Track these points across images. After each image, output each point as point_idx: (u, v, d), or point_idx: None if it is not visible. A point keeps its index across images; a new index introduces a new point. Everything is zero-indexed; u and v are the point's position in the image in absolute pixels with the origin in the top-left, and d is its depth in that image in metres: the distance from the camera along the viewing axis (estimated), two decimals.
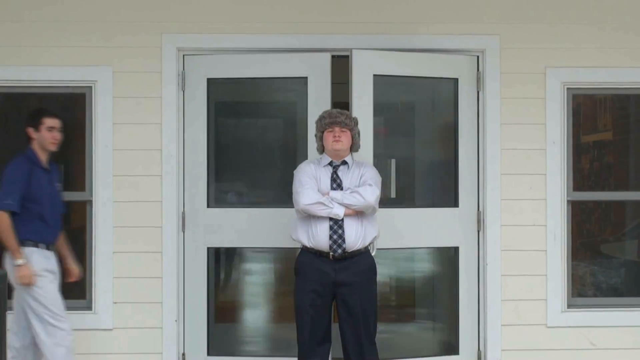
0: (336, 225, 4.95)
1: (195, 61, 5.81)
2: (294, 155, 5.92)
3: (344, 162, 5.09)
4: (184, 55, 5.79)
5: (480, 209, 5.82)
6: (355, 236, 4.96)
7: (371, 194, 4.96)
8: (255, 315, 6.17)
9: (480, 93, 5.85)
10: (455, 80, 5.86)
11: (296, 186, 5.03)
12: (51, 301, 5.05)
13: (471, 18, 5.81)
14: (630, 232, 6.29)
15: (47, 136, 5.16)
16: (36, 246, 5.06)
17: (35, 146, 5.19)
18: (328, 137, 5.05)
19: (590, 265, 6.21)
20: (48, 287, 5.06)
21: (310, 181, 5.00)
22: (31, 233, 5.06)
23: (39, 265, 5.04)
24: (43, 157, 5.19)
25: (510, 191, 5.77)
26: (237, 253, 6.09)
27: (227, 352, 5.84)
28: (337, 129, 5.03)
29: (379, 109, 5.84)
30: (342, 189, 5.00)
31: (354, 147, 5.14)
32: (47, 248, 5.12)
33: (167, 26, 5.73)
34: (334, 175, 5.05)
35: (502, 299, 5.76)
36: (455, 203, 5.84)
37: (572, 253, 5.89)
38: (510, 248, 5.77)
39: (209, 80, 5.84)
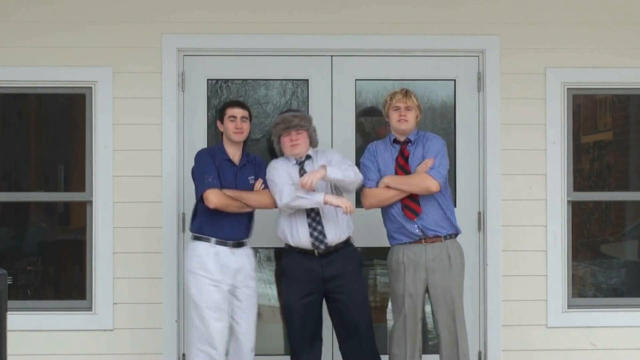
0: (314, 222, 4.98)
1: (195, 62, 5.82)
2: None
3: (308, 156, 5.12)
4: (184, 56, 5.80)
5: (480, 209, 5.82)
6: (334, 229, 4.99)
7: (356, 171, 5.02)
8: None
9: (480, 93, 5.85)
10: (454, 81, 5.88)
11: (271, 187, 5.04)
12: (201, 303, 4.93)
13: (471, 18, 5.81)
14: (630, 232, 6.29)
15: (229, 126, 5.03)
16: (207, 241, 4.96)
17: (224, 139, 5.10)
18: (285, 142, 5.07)
19: (591, 265, 6.22)
20: (201, 285, 4.92)
21: (282, 178, 5.01)
22: (205, 228, 4.97)
23: (196, 262, 4.94)
24: (231, 150, 5.07)
25: (510, 191, 5.77)
26: None
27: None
28: (293, 132, 5.05)
29: (378, 111, 5.86)
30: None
31: (312, 143, 5.16)
32: (222, 244, 4.97)
33: (167, 26, 5.73)
34: (302, 172, 5.06)
35: (502, 299, 5.76)
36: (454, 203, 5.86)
37: (572, 253, 5.88)
38: (510, 248, 5.76)
39: (209, 80, 5.86)
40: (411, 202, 5.00)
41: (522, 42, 5.80)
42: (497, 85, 5.79)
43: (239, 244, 5.03)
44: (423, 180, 4.97)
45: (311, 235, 4.98)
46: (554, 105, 5.80)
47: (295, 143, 5.05)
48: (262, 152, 6.01)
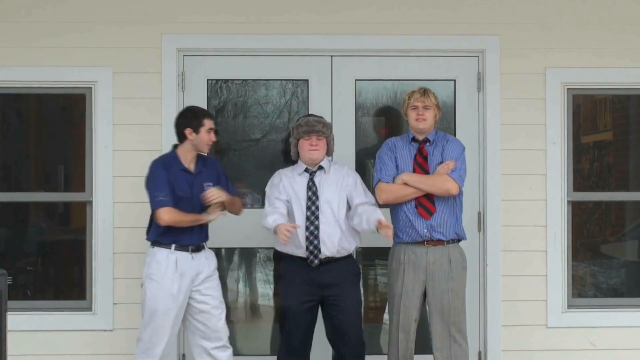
0: (312, 235, 4.99)
1: (195, 62, 5.82)
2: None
3: (320, 167, 5.12)
4: (184, 56, 5.80)
5: (480, 209, 5.82)
6: (330, 246, 5.00)
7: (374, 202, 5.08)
8: (255, 315, 6.17)
9: (480, 94, 5.85)
10: (454, 82, 5.88)
11: (265, 204, 5.13)
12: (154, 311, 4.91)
13: (471, 18, 5.81)
14: (630, 232, 6.30)
15: (205, 138, 4.97)
16: (167, 247, 4.93)
17: (183, 147, 5.01)
18: (304, 145, 5.07)
19: (591, 265, 6.22)
20: (158, 293, 4.90)
21: (272, 199, 5.07)
22: (164, 236, 4.94)
23: (154, 269, 4.92)
24: (188, 157, 5.01)
25: (510, 191, 5.77)
26: (237, 254, 6.09)
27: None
28: (314, 137, 5.05)
29: (378, 111, 5.86)
30: (317, 197, 5.04)
31: (328, 152, 5.18)
32: (182, 250, 4.94)
33: (167, 27, 5.73)
34: (310, 183, 5.08)
35: (502, 299, 5.76)
36: None
37: (572, 253, 5.89)
38: (510, 248, 5.76)
39: (209, 81, 5.85)
40: (426, 201, 4.98)
41: (522, 42, 5.81)
42: (497, 86, 5.79)
43: (198, 248, 5.02)
44: (444, 182, 4.95)
45: (307, 248, 4.99)
46: (553, 105, 5.80)
47: (314, 148, 5.05)
48: (261, 152, 6.03)
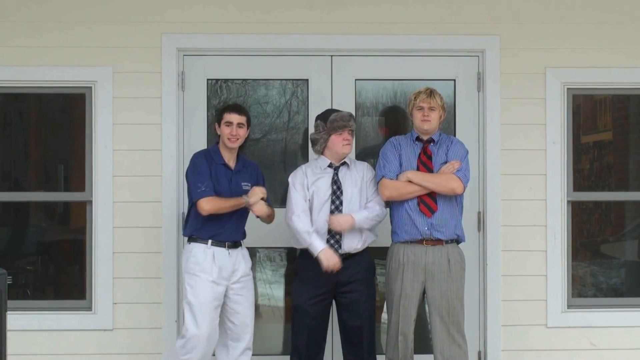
0: (335, 230, 5.00)
1: (195, 61, 5.82)
2: (295, 156, 5.94)
3: (344, 163, 5.12)
4: (184, 56, 5.80)
5: (480, 209, 5.82)
6: (351, 241, 5.01)
7: (381, 204, 5.08)
8: (256, 315, 6.16)
9: (480, 93, 5.85)
10: (454, 81, 5.88)
11: (288, 205, 5.09)
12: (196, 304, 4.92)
13: (471, 18, 5.81)
14: (630, 232, 6.30)
15: (225, 132, 4.98)
16: (204, 242, 4.95)
17: (220, 143, 5.06)
18: (337, 140, 5.06)
19: (590, 265, 6.22)
20: (198, 286, 4.91)
21: (299, 203, 5.03)
22: (202, 231, 4.95)
23: (193, 263, 4.93)
24: (226, 154, 5.03)
25: (510, 191, 5.77)
26: None
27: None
28: (346, 132, 5.07)
29: (377, 110, 5.85)
30: (341, 192, 5.04)
31: None
32: (219, 245, 4.96)
33: (167, 26, 5.73)
34: (335, 177, 5.08)
35: (502, 299, 5.76)
36: None
37: (572, 253, 5.89)
38: (510, 248, 5.76)
39: (208, 80, 5.86)
40: (429, 199, 4.98)
41: (522, 42, 5.81)
42: (497, 86, 5.79)
43: (235, 245, 5.03)
44: (450, 181, 4.95)
45: (328, 241, 5.00)
46: (554, 105, 5.80)
47: (348, 143, 5.07)
48: (261, 151, 6.02)
